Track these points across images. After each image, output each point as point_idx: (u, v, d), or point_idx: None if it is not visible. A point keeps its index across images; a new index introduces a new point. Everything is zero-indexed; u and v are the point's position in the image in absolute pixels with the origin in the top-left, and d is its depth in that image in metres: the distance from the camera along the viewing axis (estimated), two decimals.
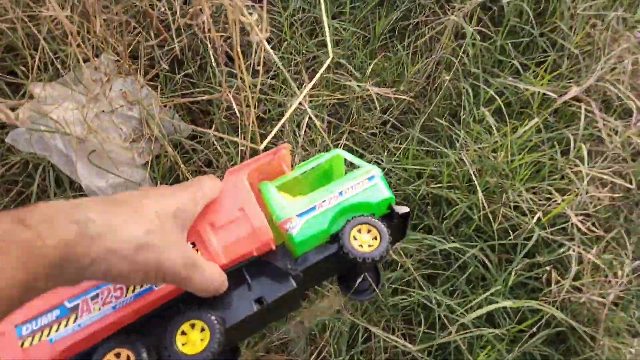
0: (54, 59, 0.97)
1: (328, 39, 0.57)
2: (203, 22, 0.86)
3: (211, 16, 0.82)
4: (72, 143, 0.96)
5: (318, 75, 0.66)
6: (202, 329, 0.40)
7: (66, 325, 0.40)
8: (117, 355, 0.39)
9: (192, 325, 0.41)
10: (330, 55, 0.58)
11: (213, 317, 0.41)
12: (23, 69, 1.04)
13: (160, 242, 0.38)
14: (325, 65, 0.60)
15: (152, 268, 0.37)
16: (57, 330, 0.39)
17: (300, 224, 0.46)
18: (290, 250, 0.47)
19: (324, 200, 0.48)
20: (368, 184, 0.49)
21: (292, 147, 1.08)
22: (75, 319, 0.40)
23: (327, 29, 0.59)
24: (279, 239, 0.48)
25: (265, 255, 0.46)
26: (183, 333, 0.40)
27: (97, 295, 0.41)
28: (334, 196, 0.48)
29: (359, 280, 0.51)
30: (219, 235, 0.45)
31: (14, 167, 1.02)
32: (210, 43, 0.93)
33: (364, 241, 0.46)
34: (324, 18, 0.55)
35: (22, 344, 0.38)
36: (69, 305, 0.40)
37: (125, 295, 0.42)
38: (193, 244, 0.45)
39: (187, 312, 0.41)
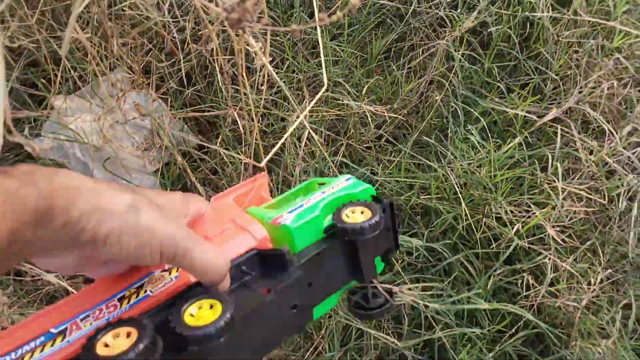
0: (74, 75, 1.05)
1: (324, 70, 0.64)
2: (212, 49, 0.95)
3: (219, 43, 0.90)
4: (89, 151, 1.04)
5: (315, 99, 0.74)
6: (211, 306, 0.37)
7: (52, 346, 0.35)
8: (116, 336, 0.34)
9: (199, 307, 0.37)
10: (325, 83, 0.65)
11: (230, 300, 0.37)
12: (44, 81, 1.12)
13: (153, 211, 0.36)
14: (321, 92, 0.68)
15: (145, 231, 0.34)
16: (41, 351, 0.35)
17: (293, 215, 0.46)
18: (288, 244, 0.46)
19: (310, 199, 0.49)
20: (347, 182, 0.52)
21: (292, 158, 1.16)
22: (63, 339, 0.36)
23: (323, 59, 0.67)
24: (275, 245, 0.47)
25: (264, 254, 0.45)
26: (191, 316, 0.37)
27: (87, 316, 0.38)
28: (318, 194, 0.50)
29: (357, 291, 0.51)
30: (214, 242, 0.44)
31: None
32: (217, 65, 1.01)
33: (357, 218, 0.47)
34: (321, 48, 0.64)
35: None
36: (55, 330, 0.36)
37: (120, 308, 0.38)
38: None
39: (192, 296, 0.38)
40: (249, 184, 0.53)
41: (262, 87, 1.09)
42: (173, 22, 1.11)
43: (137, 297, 0.39)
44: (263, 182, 0.54)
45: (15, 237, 0.30)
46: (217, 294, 0.37)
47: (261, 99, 1.10)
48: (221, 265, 0.38)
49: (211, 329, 0.34)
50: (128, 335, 0.33)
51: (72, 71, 1.05)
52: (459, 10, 1.27)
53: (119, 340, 0.33)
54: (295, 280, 0.42)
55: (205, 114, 1.16)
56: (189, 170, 1.12)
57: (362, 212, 0.47)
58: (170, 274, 0.41)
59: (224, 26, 1.07)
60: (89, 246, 0.34)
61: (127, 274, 0.41)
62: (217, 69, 1.09)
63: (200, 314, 0.36)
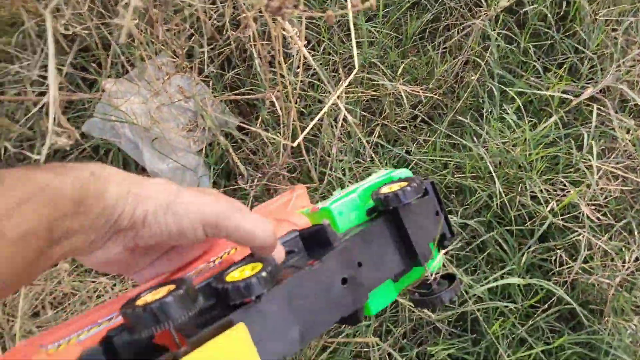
0: (122, 59, 1.11)
1: (355, 54, 0.67)
2: (250, 35, 0.99)
3: (256, 28, 0.94)
4: (139, 131, 1.10)
5: (346, 82, 0.77)
6: (253, 268, 0.36)
7: (99, 327, 0.35)
8: (157, 293, 0.33)
9: (242, 270, 0.37)
10: (357, 66, 0.68)
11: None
12: (94, 65, 1.18)
13: (189, 190, 0.36)
14: (352, 75, 0.71)
15: (182, 205, 0.35)
16: (88, 332, 0.35)
17: (330, 201, 0.46)
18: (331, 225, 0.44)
19: (346, 189, 0.49)
20: (385, 172, 0.52)
21: (329, 138, 1.19)
22: (109, 321, 0.36)
23: (355, 42, 0.70)
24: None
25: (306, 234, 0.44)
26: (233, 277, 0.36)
27: None
28: (355, 185, 0.50)
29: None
30: None
31: (85, 151, 1.17)
32: (255, 51, 1.05)
33: (393, 188, 0.46)
34: (352, 33, 0.66)
35: (48, 351, 0.33)
36: (102, 320, 0.36)
37: None
38: None
39: (235, 264, 0.38)
40: (287, 194, 0.53)
41: (299, 70, 1.13)
42: (213, 7, 1.15)
43: None
44: (302, 193, 0.54)
45: (56, 226, 0.30)
46: (261, 258, 0.37)
47: (298, 81, 1.14)
48: (269, 227, 0.37)
49: (252, 279, 0.33)
50: (168, 290, 0.32)
51: (120, 56, 1.11)
52: None
53: (158, 294, 0.32)
54: (340, 250, 0.41)
55: (245, 97, 1.21)
56: (231, 150, 1.16)
57: (399, 186, 0.46)
58: (214, 262, 0.41)
59: (261, 12, 1.11)
60: (130, 232, 0.35)
61: (173, 273, 0.40)
62: (255, 54, 1.13)
63: (242, 275, 0.35)
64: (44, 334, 0.35)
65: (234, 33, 1.08)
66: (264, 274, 0.34)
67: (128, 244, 0.36)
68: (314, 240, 0.43)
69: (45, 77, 1.10)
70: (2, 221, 0.28)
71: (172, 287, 0.32)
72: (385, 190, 0.46)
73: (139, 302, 0.31)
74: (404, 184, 0.46)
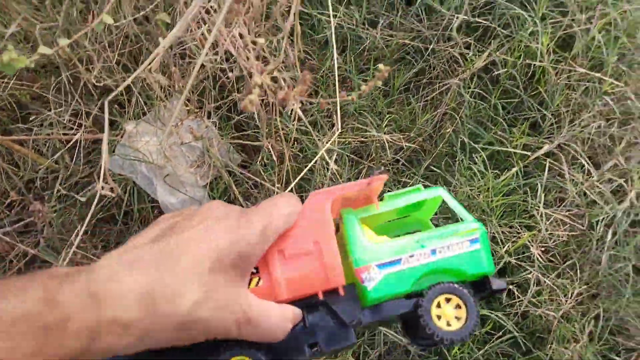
0: (141, 102, 1.28)
1: (339, 119, 0.83)
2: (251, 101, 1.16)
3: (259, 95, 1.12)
4: (153, 169, 1.26)
5: (333, 139, 0.94)
6: None
7: None
8: None
9: None
10: (339, 130, 0.84)
11: (264, 358, 0.39)
12: (117, 107, 1.35)
13: (208, 312, 0.36)
14: (334, 137, 0.87)
15: (198, 335, 0.36)
16: None
17: (379, 277, 0.42)
18: (359, 297, 0.43)
19: (412, 255, 0.42)
20: (469, 247, 0.44)
21: (322, 178, 1.36)
22: None
23: (339, 108, 0.86)
24: (350, 277, 0.43)
25: (330, 296, 0.42)
26: None
27: None
28: (426, 253, 0.43)
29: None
30: (287, 265, 0.41)
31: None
32: (255, 110, 1.23)
33: (447, 314, 0.41)
34: (338, 103, 0.83)
35: None
36: None
37: None
38: (256, 268, 0.41)
39: (236, 347, 0.39)
40: (360, 186, 0.46)
41: (294, 123, 1.30)
42: (222, 67, 1.32)
43: None
44: (378, 186, 0.47)
45: None
46: (253, 353, 0.39)
47: (294, 129, 1.31)
48: (277, 334, 0.40)
49: None
50: None
51: (140, 101, 1.28)
52: (471, 53, 1.44)
53: None
54: (348, 346, 0.42)
55: (246, 141, 1.38)
56: (233, 186, 1.33)
57: (456, 307, 0.41)
58: None
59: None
60: None
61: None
62: (255, 112, 1.31)
63: None
64: None
65: (239, 95, 1.25)
66: None
67: None
68: (331, 313, 0.42)
69: (72, 121, 1.27)
70: None
71: None
72: (437, 310, 0.41)
73: None
74: (461, 313, 0.41)
